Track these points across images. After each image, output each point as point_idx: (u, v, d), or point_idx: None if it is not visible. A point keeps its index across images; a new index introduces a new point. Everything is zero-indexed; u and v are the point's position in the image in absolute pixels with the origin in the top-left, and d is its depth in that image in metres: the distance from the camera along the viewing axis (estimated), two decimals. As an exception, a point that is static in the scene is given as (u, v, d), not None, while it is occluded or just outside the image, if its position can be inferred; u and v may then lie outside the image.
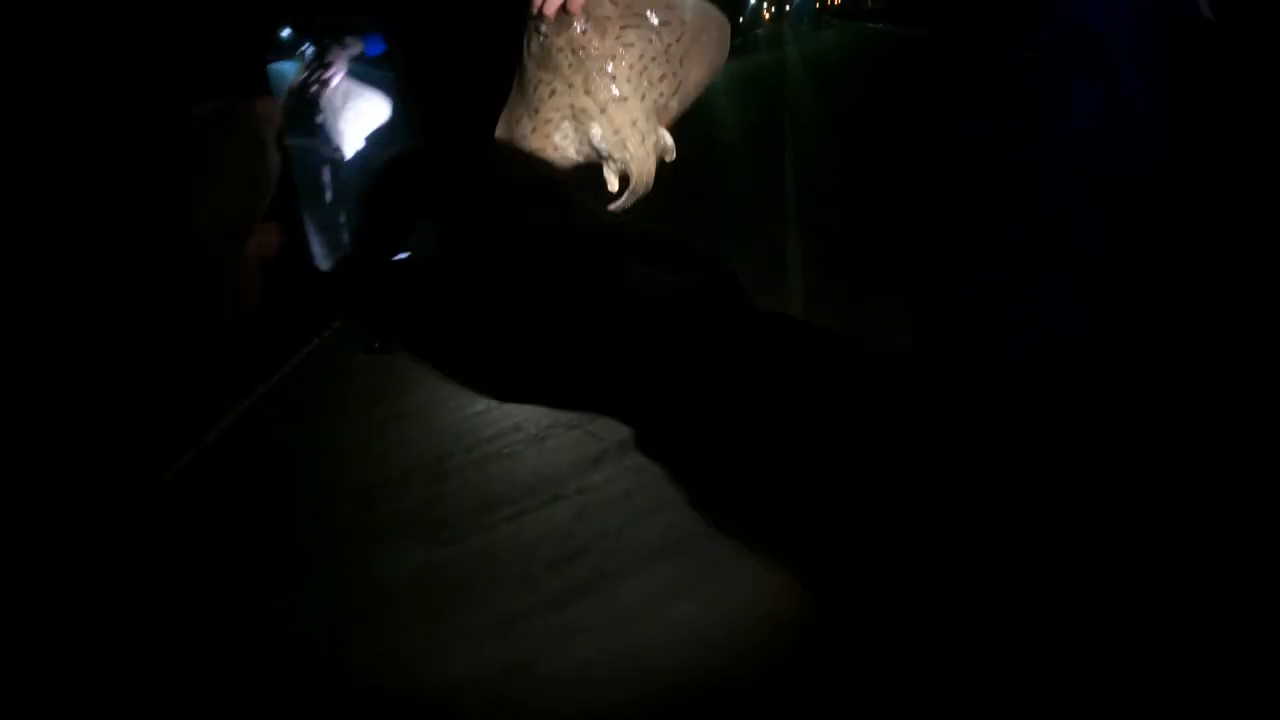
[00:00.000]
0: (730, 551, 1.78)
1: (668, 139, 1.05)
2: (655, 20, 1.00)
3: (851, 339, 0.42)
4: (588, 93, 0.96)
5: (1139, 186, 0.77)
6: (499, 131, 0.92)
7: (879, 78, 8.83)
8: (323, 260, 0.53)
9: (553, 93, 0.91)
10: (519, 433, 2.32)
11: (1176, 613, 0.34)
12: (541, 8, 0.96)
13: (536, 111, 0.92)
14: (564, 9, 0.95)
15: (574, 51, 0.97)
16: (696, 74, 1.07)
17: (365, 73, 0.54)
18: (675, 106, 1.06)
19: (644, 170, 1.02)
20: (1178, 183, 0.77)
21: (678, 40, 1.03)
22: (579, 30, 0.96)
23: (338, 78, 0.55)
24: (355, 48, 0.54)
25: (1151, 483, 0.38)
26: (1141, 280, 0.79)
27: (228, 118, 0.50)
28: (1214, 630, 0.34)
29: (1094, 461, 0.39)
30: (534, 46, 0.99)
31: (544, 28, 0.97)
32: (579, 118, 0.92)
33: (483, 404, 2.54)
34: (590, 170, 0.91)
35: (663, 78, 1.02)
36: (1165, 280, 0.76)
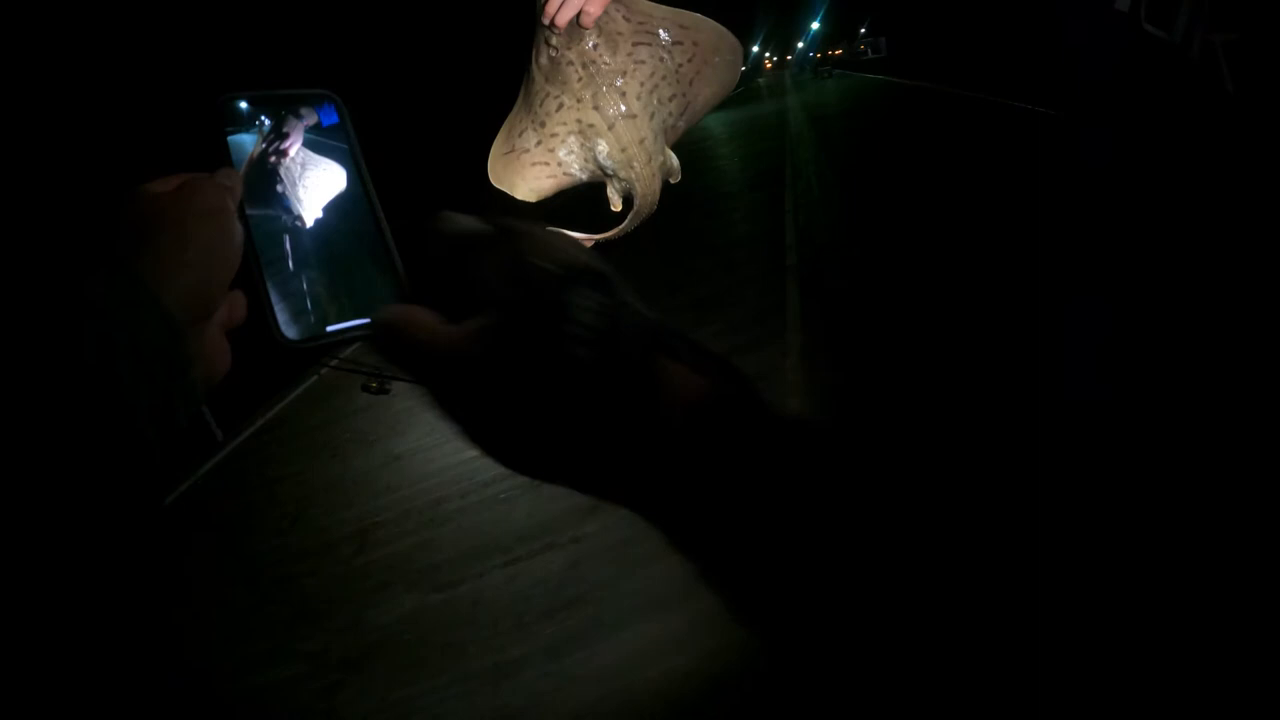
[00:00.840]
0: (726, 606, 1.78)
1: (674, 160, 1.05)
2: (668, 38, 1.00)
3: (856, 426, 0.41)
4: (596, 108, 0.95)
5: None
6: (499, 144, 0.92)
7: (879, 129, 8.94)
8: (287, 327, 0.54)
9: (560, 106, 0.90)
10: (515, 478, 2.30)
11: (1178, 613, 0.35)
12: (554, 19, 0.95)
13: (543, 125, 0.92)
14: (576, 22, 0.95)
15: (584, 66, 0.96)
16: (706, 95, 1.07)
17: (320, 142, 0.56)
18: (682, 126, 1.07)
19: (649, 191, 1.02)
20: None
21: (689, 60, 1.03)
22: (590, 45, 0.95)
23: (295, 148, 0.56)
24: (311, 118, 0.56)
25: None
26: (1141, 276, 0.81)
27: (191, 191, 0.50)
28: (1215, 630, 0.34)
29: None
30: (543, 59, 0.98)
31: (555, 40, 0.96)
32: (586, 133, 0.91)
33: (478, 448, 2.53)
34: (594, 188, 0.92)
35: (672, 97, 1.02)
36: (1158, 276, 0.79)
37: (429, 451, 2.55)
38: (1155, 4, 0.80)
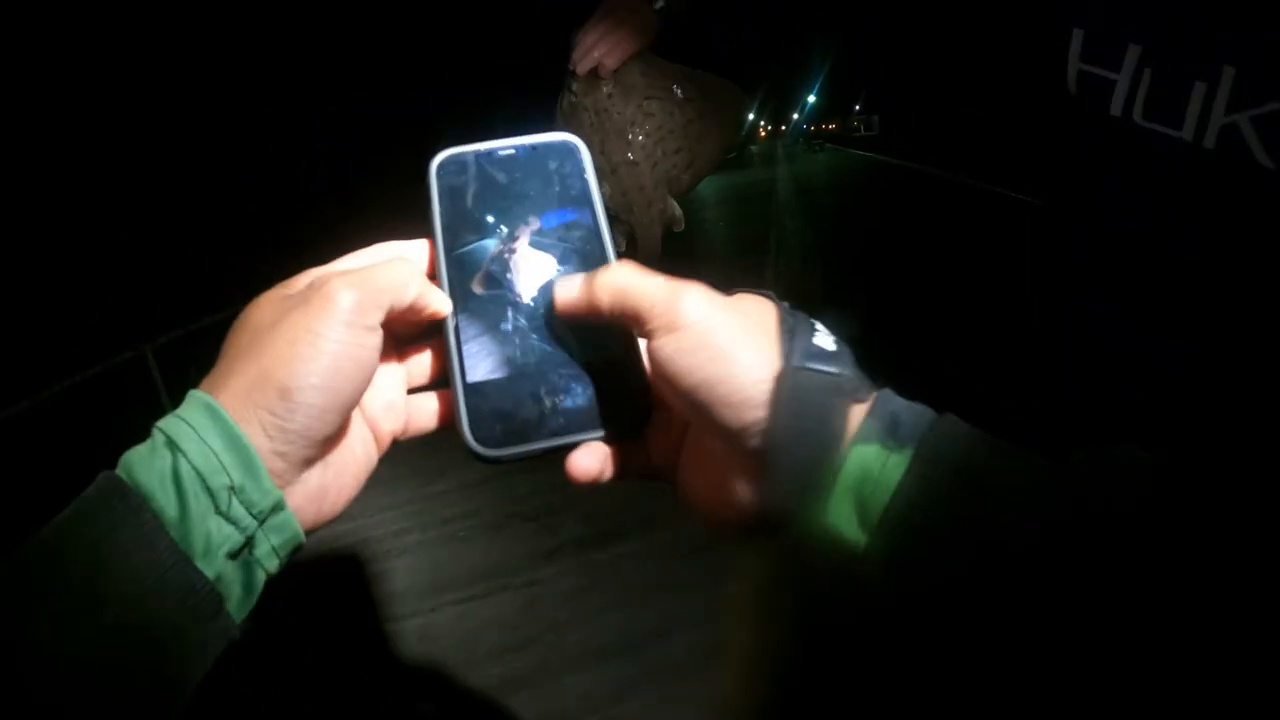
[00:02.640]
0: (676, 660, 1.78)
1: (676, 209, 1.11)
2: (680, 94, 1.06)
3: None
4: (603, 153, 1.01)
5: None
6: None
7: (867, 206, 9.12)
8: (481, 437, 0.50)
9: None
10: (476, 518, 2.32)
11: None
12: (575, 67, 1.02)
13: None
14: (595, 72, 1.01)
15: (597, 113, 1.03)
16: (711, 151, 1.13)
17: (540, 242, 0.56)
18: (688, 180, 1.12)
19: (649, 236, 1.07)
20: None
21: (700, 117, 1.09)
22: (605, 93, 1.02)
23: (522, 246, 0.56)
24: (535, 224, 0.56)
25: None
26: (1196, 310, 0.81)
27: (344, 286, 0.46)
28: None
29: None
30: (564, 104, 1.05)
31: (575, 87, 1.03)
32: None
33: (442, 484, 2.54)
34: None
35: (678, 150, 1.07)
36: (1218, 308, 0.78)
37: (392, 483, 2.56)
38: (1155, 98, 0.79)
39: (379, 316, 0.46)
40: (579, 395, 0.50)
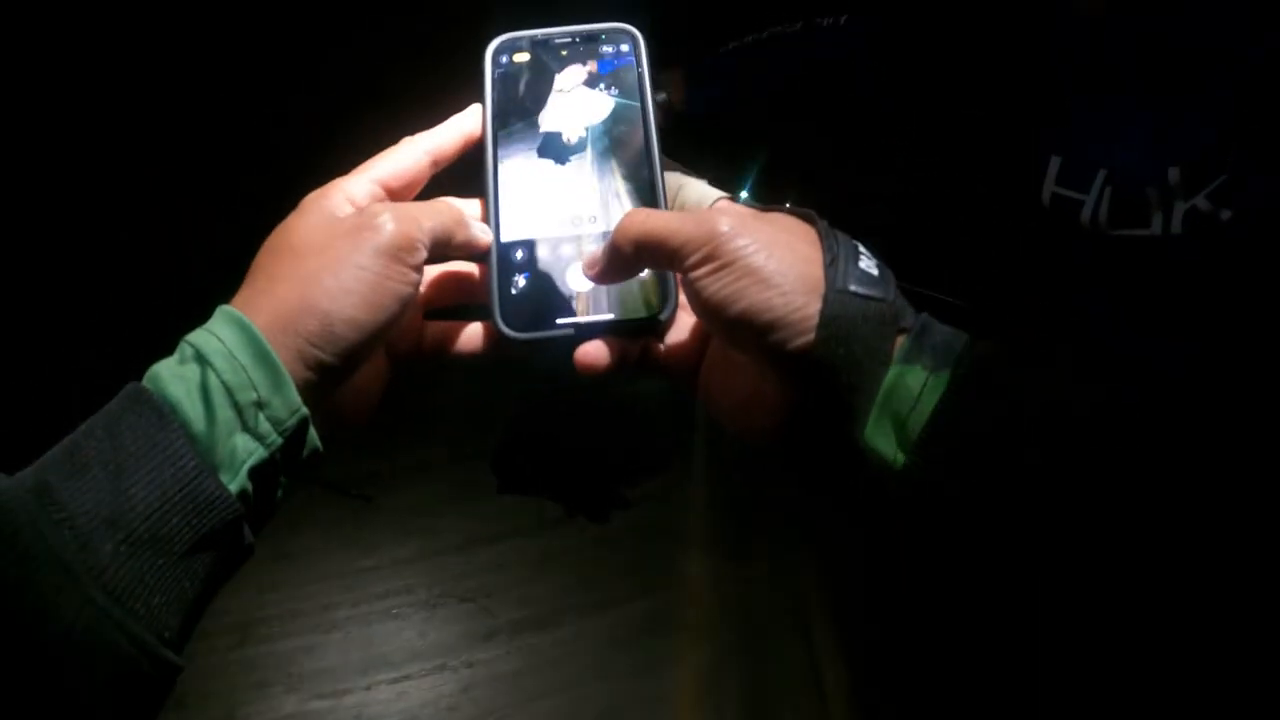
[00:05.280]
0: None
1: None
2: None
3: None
4: None
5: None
6: None
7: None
8: (511, 318, 0.50)
9: None
10: (410, 595, 2.31)
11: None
12: None
13: None
14: None
15: None
16: None
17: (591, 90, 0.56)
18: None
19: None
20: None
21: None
22: None
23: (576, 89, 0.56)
24: (590, 68, 0.57)
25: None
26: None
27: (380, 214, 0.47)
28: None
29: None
30: None
31: None
32: None
33: (374, 559, 2.51)
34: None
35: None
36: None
37: (322, 554, 2.52)
38: (1118, 209, 0.92)
39: (424, 255, 0.47)
40: (603, 287, 0.50)
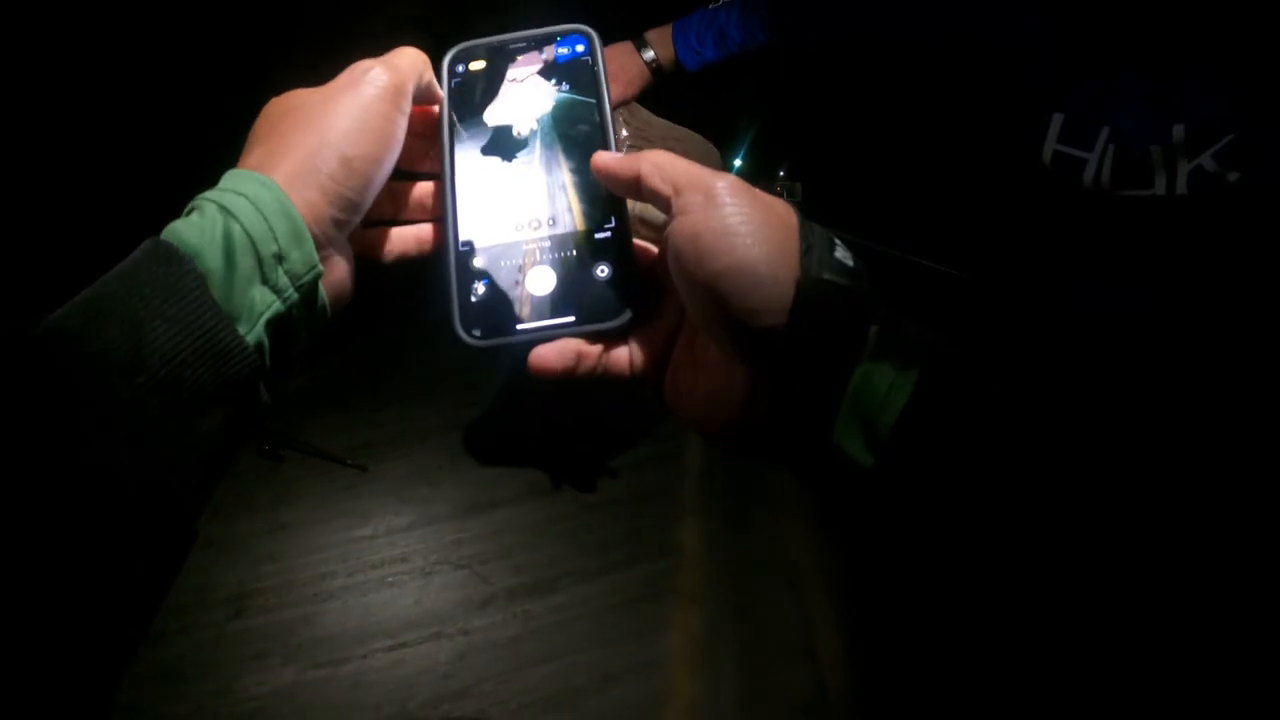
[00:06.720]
0: (614, 713, 1.82)
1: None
2: (659, 145, 1.13)
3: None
4: None
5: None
6: None
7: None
8: (469, 322, 0.50)
9: None
10: (405, 564, 2.31)
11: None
12: None
13: None
14: None
15: None
16: None
17: (545, 82, 0.57)
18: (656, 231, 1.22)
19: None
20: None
21: None
22: None
23: (530, 80, 0.58)
24: (543, 60, 0.57)
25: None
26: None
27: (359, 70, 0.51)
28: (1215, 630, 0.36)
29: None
30: None
31: None
32: None
33: (369, 529, 2.51)
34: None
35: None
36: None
37: (317, 525, 2.52)
38: (1121, 169, 0.91)
39: (410, 95, 0.53)
40: (570, 286, 0.50)
